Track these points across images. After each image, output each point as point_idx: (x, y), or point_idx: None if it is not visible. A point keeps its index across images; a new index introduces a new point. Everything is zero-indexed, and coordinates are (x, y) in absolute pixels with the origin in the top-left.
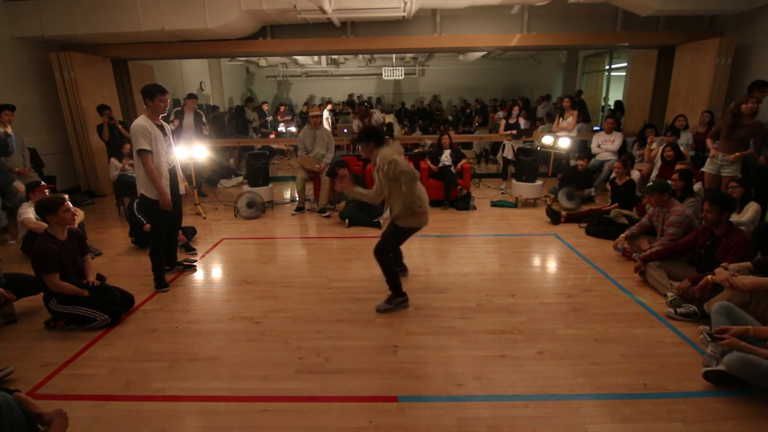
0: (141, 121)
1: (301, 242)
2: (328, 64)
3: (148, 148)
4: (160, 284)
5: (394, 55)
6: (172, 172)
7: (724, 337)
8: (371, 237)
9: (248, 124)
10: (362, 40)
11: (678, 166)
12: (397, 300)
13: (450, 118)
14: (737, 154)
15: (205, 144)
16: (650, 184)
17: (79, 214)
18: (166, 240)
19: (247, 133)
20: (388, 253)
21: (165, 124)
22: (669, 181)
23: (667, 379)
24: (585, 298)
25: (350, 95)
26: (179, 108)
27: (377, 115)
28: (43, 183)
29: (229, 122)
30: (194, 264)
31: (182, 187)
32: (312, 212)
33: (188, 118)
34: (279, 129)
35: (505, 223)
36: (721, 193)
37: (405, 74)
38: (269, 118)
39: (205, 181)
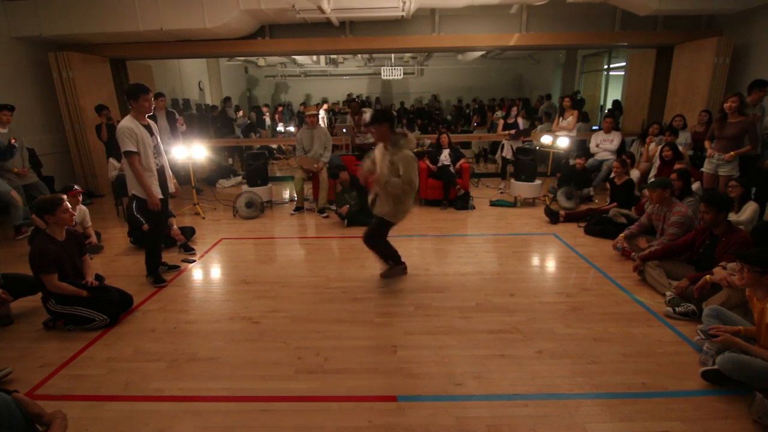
0: (127, 122)
1: (300, 242)
2: (326, 63)
3: (134, 149)
4: (157, 279)
5: (392, 55)
6: (160, 171)
7: (718, 334)
8: None
9: (232, 123)
10: (361, 39)
11: (676, 166)
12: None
13: (449, 117)
14: (732, 153)
15: (202, 142)
16: (653, 180)
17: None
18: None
19: (233, 132)
20: (381, 240)
21: (153, 123)
22: None
23: (665, 378)
24: (584, 297)
25: (349, 95)
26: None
27: (368, 116)
28: (76, 187)
29: (212, 123)
30: (179, 265)
31: (171, 185)
32: (311, 212)
33: (161, 120)
34: (278, 129)
35: (503, 222)
36: (717, 193)
37: (404, 74)
38: (266, 119)
39: (201, 181)
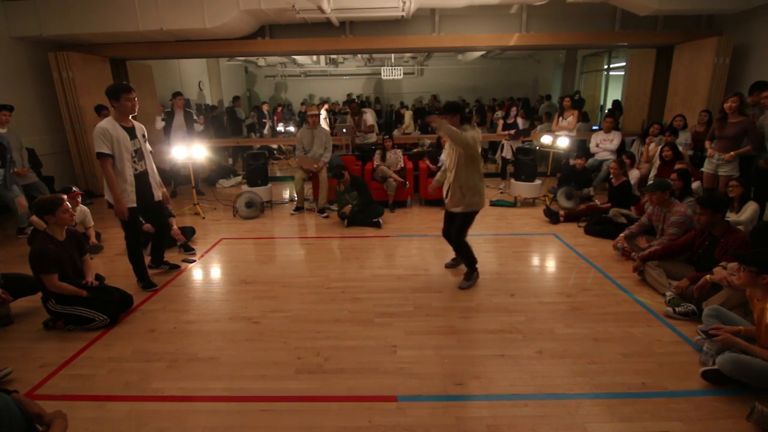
0: (104, 123)
1: (300, 242)
2: (326, 63)
3: (107, 151)
4: (147, 284)
5: (392, 55)
6: (142, 177)
7: (718, 334)
8: (370, 237)
9: (241, 123)
10: (361, 39)
11: (677, 166)
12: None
13: None
14: (732, 153)
15: (203, 142)
16: (651, 182)
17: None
18: (155, 241)
19: (240, 132)
20: (464, 237)
21: (140, 126)
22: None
23: (665, 378)
24: (584, 297)
25: (349, 95)
26: (169, 109)
27: (368, 116)
28: (75, 189)
29: (227, 122)
30: (179, 265)
31: (158, 194)
32: (311, 212)
33: (178, 117)
34: (278, 129)
35: (503, 222)
36: (712, 195)
37: (404, 74)
38: (266, 121)
39: (202, 181)
